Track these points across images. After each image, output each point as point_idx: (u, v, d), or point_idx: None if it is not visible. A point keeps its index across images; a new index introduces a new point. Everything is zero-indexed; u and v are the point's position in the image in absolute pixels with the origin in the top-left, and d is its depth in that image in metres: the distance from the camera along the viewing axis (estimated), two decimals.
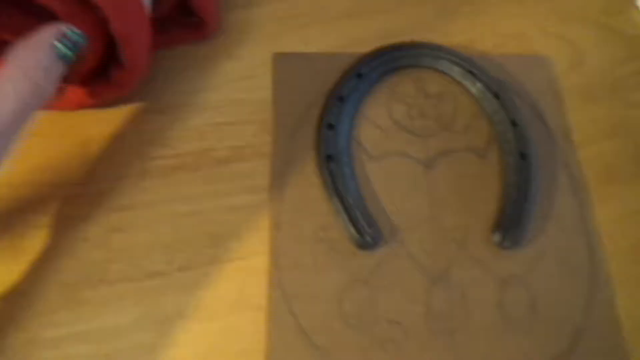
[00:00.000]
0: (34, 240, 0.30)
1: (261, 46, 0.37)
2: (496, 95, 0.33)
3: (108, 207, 0.31)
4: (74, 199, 0.31)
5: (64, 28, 0.25)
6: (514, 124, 0.32)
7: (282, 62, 0.36)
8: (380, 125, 0.33)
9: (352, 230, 0.29)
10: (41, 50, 0.24)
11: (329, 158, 0.31)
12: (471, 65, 0.34)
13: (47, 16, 0.26)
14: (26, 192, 0.31)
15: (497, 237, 0.29)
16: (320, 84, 0.35)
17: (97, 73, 0.31)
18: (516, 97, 0.34)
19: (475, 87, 0.34)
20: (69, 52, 0.25)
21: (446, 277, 0.29)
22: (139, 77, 0.31)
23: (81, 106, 0.32)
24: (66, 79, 0.27)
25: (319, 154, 0.32)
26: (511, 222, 0.30)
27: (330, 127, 0.32)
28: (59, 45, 0.25)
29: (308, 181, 0.31)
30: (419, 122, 0.33)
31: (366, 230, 0.29)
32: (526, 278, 0.29)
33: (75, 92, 0.31)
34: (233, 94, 0.35)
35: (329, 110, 0.33)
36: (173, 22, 0.35)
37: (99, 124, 0.33)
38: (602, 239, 0.31)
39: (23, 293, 0.29)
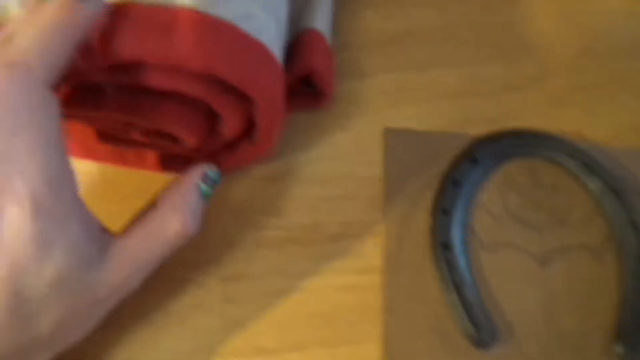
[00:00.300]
0: (149, 303, 0.30)
1: (371, 118, 0.38)
2: (616, 194, 0.32)
3: (221, 275, 0.31)
4: (189, 263, 0.32)
5: (207, 169, 0.28)
6: (634, 225, 0.32)
7: (393, 138, 0.36)
8: (493, 214, 0.33)
9: (469, 325, 0.29)
10: (189, 192, 0.27)
11: (444, 246, 0.31)
12: (589, 159, 0.34)
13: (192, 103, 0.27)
14: None
15: (619, 349, 0.28)
16: (432, 164, 0.35)
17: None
18: (636, 196, 0.33)
19: (593, 183, 0.33)
20: (209, 191, 0.28)
21: None
22: (266, 151, 0.31)
23: None
24: None
25: (433, 240, 0.32)
26: (634, 332, 0.29)
27: (445, 212, 0.32)
28: (204, 186, 0.27)
29: (421, 266, 0.31)
30: (533, 214, 0.33)
31: (483, 327, 0.29)
32: None
33: (199, 160, 0.31)
34: (343, 166, 0.35)
35: (444, 194, 0.33)
36: (291, 91, 0.35)
37: None
38: None
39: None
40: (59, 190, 0.21)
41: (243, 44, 0.25)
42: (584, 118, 0.38)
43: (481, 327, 0.29)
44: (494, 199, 0.34)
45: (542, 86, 0.39)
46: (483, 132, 0.36)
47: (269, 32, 0.28)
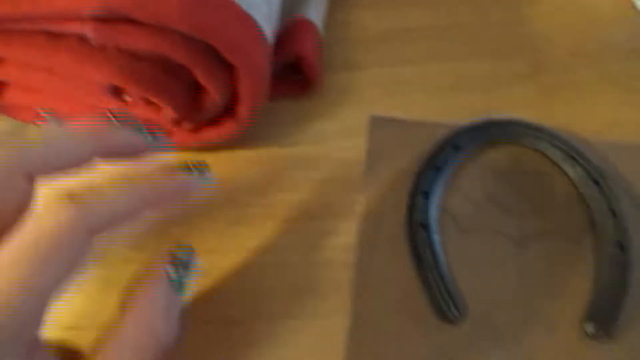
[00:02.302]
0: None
1: (360, 108, 0.38)
2: (596, 182, 0.32)
3: (197, 248, 0.32)
4: (166, 238, 0.32)
5: (175, 249, 0.24)
6: (613, 213, 0.31)
7: (378, 125, 0.37)
8: (472, 199, 0.33)
9: (439, 302, 0.29)
10: (155, 290, 0.22)
11: (421, 226, 0.31)
12: (572, 149, 0.34)
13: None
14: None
15: (590, 328, 0.28)
16: (414, 151, 0.35)
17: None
18: (616, 187, 0.33)
19: (574, 171, 0.33)
20: (182, 280, 0.23)
21: None
22: (246, 127, 0.32)
23: (182, 146, 0.34)
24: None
25: (410, 221, 0.32)
26: (606, 313, 0.28)
27: (425, 195, 0.32)
28: (173, 274, 0.23)
29: (396, 246, 0.31)
30: (513, 200, 0.33)
31: (453, 304, 0.29)
32: None
33: (179, 132, 0.32)
34: (328, 151, 0.36)
35: (424, 178, 0.33)
36: (278, 77, 0.36)
37: None
38: None
39: None
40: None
41: (232, 11, 0.26)
42: (572, 113, 0.38)
43: (450, 303, 0.29)
44: (474, 184, 0.34)
45: (530, 83, 0.40)
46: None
47: (260, 10, 0.29)
